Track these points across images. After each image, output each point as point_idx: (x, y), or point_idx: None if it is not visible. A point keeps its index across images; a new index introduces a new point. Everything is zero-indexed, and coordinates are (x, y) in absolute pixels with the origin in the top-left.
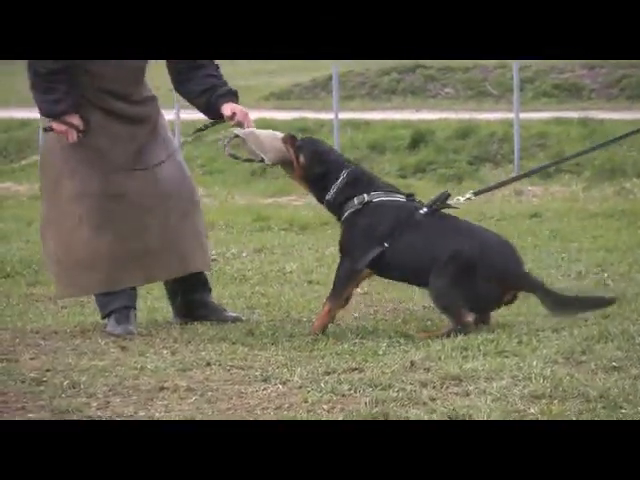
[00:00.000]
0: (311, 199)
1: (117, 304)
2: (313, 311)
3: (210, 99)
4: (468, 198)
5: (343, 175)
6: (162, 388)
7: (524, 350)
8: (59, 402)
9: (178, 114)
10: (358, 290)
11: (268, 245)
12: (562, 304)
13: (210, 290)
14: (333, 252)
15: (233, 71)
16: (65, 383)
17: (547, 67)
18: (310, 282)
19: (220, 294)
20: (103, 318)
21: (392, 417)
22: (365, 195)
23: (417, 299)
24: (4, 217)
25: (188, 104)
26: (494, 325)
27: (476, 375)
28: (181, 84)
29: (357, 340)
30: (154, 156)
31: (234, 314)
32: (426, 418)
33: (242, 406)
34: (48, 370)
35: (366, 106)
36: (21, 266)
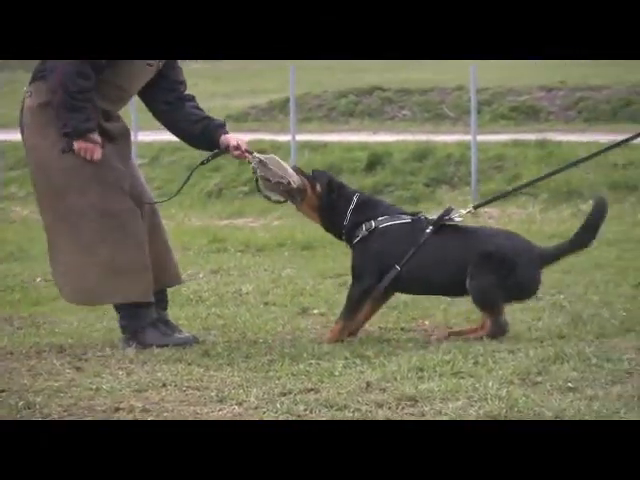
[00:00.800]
0: (267, 221)
1: (150, 317)
2: (269, 332)
3: (206, 129)
4: (469, 211)
5: (353, 202)
6: (117, 409)
7: (480, 371)
8: None
9: (136, 135)
10: (315, 311)
11: (224, 266)
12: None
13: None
14: (289, 273)
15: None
16: (20, 404)
17: (504, 90)
18: (266, 303)
19: (176, 315)
20: (133, 332)
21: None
22: (372, 221)
23: (374, 320)
24: None
25: (145, 126)
26: (450, 346)
27: (432, 396)
28: (171, 113)
29: (313, 361)
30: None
31: (186, 335)
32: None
33: None
34: (3, 391)
35: (324, 128)
36: None
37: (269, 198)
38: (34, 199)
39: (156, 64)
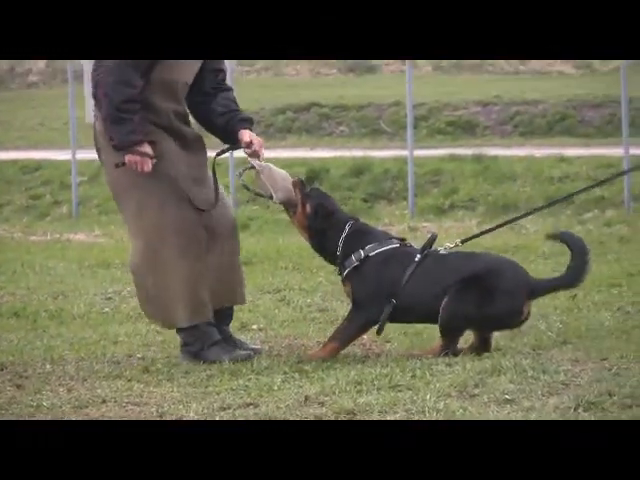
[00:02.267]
0: None
1: (217, 335)
2: None
3: (229, 122)
4: (456, 245)
5: (345, 231)
6: None
7: (418, 384)
8: None
9: (74, 153)
10: (254, 326)
11: None
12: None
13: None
14: None
15: None
16: None
17: (441, 105)
18: None
19: (116, 332)
20: (200, 349)
21: None
22: (361, 251)
23: (312, 334)
24: None
25: (84, 144)
26: (388, 359)
27: (370, 409)
28: (203, 104)
29: (252, 376)
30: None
31: (246, 351)
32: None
33: None
34: None
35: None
36: None
37: (247, 187)
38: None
39: None
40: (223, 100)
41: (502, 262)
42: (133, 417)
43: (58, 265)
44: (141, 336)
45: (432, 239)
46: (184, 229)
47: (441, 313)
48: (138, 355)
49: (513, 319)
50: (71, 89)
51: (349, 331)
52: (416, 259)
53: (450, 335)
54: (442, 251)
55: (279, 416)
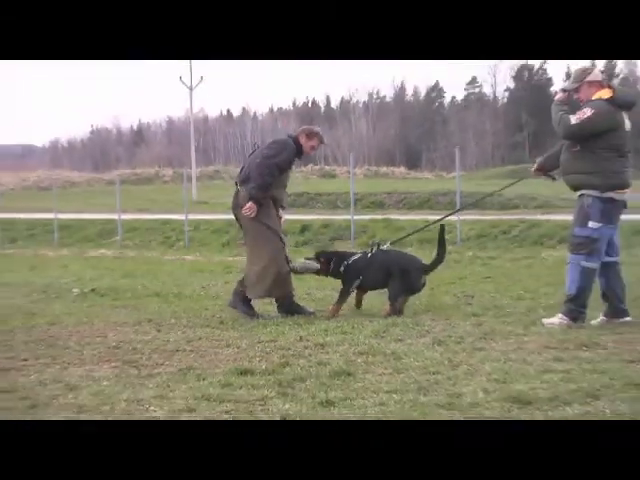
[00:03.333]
0: None
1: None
2: None
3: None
4: (390, 244)
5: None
6: None
7: (355, 330)
8: None
9: (187, 216)
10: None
11: None
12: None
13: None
14: None
15: None
16: None
17: (367, 193)
18: None
19: (206, 304)
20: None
21: None
22: (345, 261)
23: (321, 307)
24: None
25: (190, 211)
26: (344, 320)
27: (331, 344)
28: None
29: (286, 324)
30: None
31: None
32: None
33: None
34: None
35: None
36: None
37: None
38: None
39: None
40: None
41: (412, 256)
42: (214, 345)
43: (177, 271)
44: (219, 306)
45: (376, 244)
46: (274, 251)
47: (388, 288)
48: (217, 315)
49: (421, 288)
50: (184, 184)
51: (342, 298)
52: (369, 255)
53: (395, 301)
54: (384, 248)
55: (290, 338)
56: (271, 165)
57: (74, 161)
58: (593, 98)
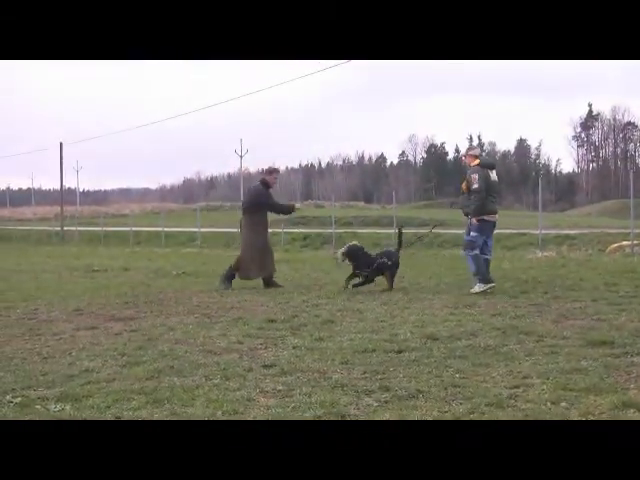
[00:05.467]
0: None
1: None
2: None
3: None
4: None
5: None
6: None
7: (364, 305)
8: None
9: (199, 228)
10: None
11: None
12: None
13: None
14: None
15: None
16: None
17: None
18: None
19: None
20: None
21: None
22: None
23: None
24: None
25: (202, 224)
26: (357, 292)
27: (339, 315)
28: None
29: (296, 294)
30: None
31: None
32: None
33: None
34: None
35: None
36: None
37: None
38: None
39: None
40: None
41: (390, 249)
42: (253, 304)
43: (231, 261)
44: (256, 282)
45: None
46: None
47: (385, 272)
48: (254, 287)
49: (398, 267)
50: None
51: (371, 276)
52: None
53: (390, 277)
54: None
55: (298, 300)
56: (270, 204)
57: (173, 197)
58: (472, 164)
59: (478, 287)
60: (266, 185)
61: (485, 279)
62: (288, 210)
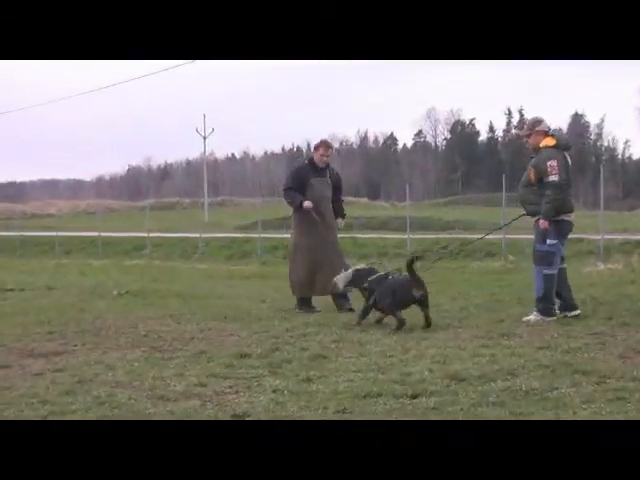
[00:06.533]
0: None
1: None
2: None
3: (339, 210)
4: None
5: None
6: None
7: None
8: None
9: (201, 235)
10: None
11: None
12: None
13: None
14: None
15: None
16: None
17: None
18: None
19: (221, 292)
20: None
21: None
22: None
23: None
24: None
25: (202, 231)
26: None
27: (352, 339)
28: (335, 200)
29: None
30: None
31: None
32: None
33: None
34: None
35: None
36: None
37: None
38: None
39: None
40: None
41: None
42: (221, 334)
43: (193, 277)
44: (224, 304)
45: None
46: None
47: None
48: (223, 311)
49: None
50: (199, 210)
51: (364, 309)
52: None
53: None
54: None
55: (280, 329)
56: (283, 192)
57: (114, 192)
58: (541, 145)
59: (534, 317)
60: (311, 163)
61: (547, 311)
62: (294, 204)
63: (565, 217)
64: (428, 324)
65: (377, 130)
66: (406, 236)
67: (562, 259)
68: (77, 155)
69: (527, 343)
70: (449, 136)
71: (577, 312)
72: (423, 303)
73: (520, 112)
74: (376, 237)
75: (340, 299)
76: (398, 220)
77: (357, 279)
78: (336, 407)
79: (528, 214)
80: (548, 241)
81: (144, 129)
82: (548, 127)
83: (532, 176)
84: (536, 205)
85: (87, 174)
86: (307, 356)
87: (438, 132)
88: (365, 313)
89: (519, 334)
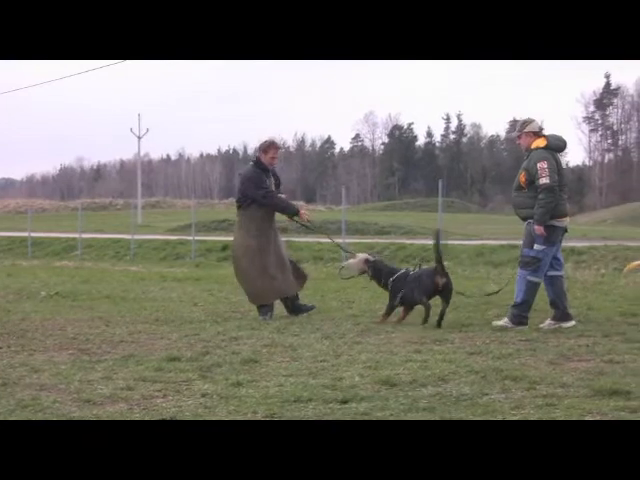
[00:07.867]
0: None
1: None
2: None
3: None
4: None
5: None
6: None
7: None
8: None
9: (133, 237)
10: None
11: None
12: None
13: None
14: None
15: None
16: None
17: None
18: None
19: (153, 293)
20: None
21: None
22: (390, 278)
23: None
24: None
25: (135, 232)
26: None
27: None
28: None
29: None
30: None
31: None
32: None
33: None
34: None
35: None
36: None
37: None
38: None
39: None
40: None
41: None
42: (150, 337)
43: (124, 279)
44: (156, 307)
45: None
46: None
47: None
48: (154, 314)
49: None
50: (132, 211)
51: (389, 309)
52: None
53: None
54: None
55: (211, 332)
56: (265, 199)
57: (46, 192)
58: (532, 146)
59: (504, 323)
60: (260, 166)
61: (519, 319)
62: (291, 210)
63: (556, 222)
64: (439, 323)
65: (314, 133)
66: (341, 240)
67: (560, 266)
68: (7, 154)
69: (459, 349)
70: (387, 140)
71: (572, 323)
72: (445, 295)
73: (458, 117)
74: (312, 241)
75: (291, 301)
76: (334, 224)
77: (374, 269)
78: (265, 412)
79: (521, 219)
80: (535, 246)
81: (76, 129)
82: (539, 127)
83: (522, 179)
84: (529, 209)
85: (17, 173)
86: (238, 360)
87: (376, 136)
88: (389, 312)
89: (451, 340)
